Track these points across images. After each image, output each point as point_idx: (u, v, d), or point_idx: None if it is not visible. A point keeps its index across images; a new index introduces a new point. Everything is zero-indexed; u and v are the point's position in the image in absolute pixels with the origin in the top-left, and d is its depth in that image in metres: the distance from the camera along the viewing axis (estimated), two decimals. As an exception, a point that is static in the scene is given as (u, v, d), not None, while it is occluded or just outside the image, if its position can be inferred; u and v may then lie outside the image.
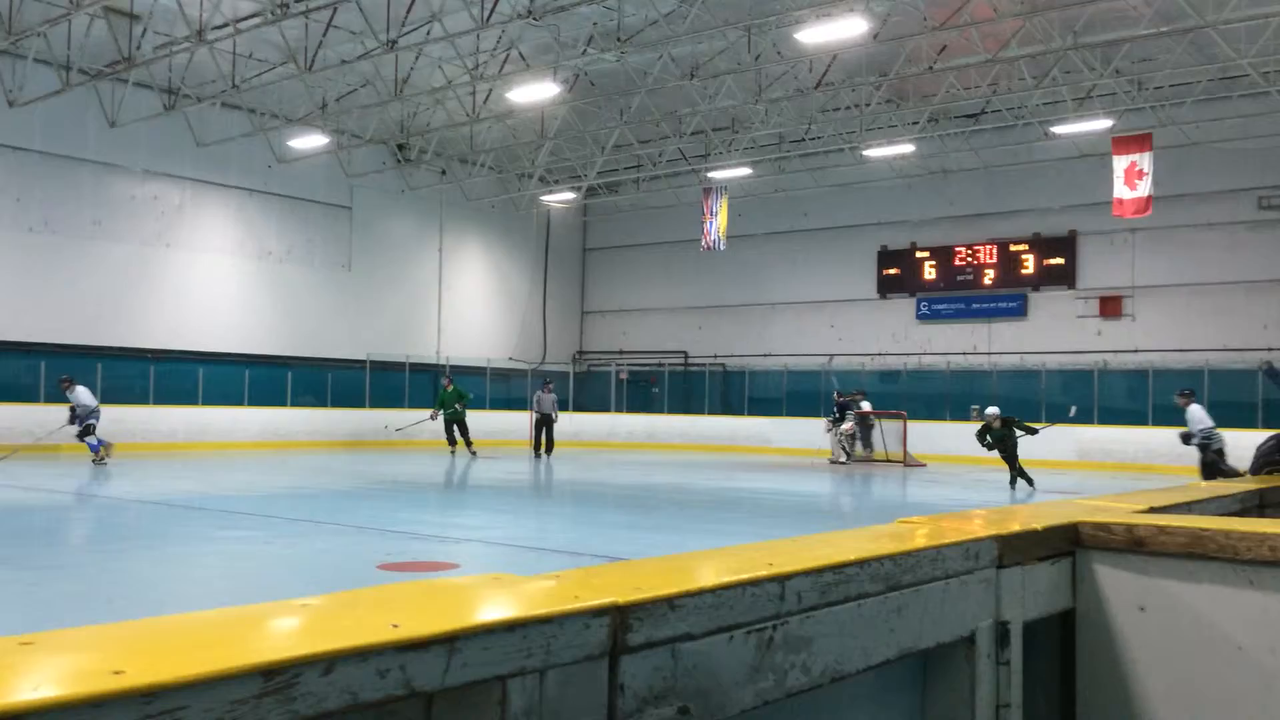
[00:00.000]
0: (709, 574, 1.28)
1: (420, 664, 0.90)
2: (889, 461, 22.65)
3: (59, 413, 18.65)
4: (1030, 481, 15.57)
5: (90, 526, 10.22)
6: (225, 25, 17.57)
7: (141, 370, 22.21)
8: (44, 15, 17.50)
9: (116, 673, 0.74)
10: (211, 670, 0.77)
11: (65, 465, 16.68)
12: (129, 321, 22.16)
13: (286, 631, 0.94)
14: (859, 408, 23.32)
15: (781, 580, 1.31)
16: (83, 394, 16.51)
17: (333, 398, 25.21)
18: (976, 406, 17.08)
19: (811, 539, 1.63)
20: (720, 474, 19.05)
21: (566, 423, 25.49)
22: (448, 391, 21.67)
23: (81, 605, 6.15)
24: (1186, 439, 14.64)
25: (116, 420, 20.58)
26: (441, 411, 21.52)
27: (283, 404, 24.21)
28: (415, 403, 25.20)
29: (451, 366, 27.08)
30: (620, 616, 1.09)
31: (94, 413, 16.58)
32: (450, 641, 0.93)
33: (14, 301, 20.38)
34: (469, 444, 21.42)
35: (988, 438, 15.77)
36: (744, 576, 1.26)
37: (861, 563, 1.45)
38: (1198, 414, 14.49)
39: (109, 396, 21.27)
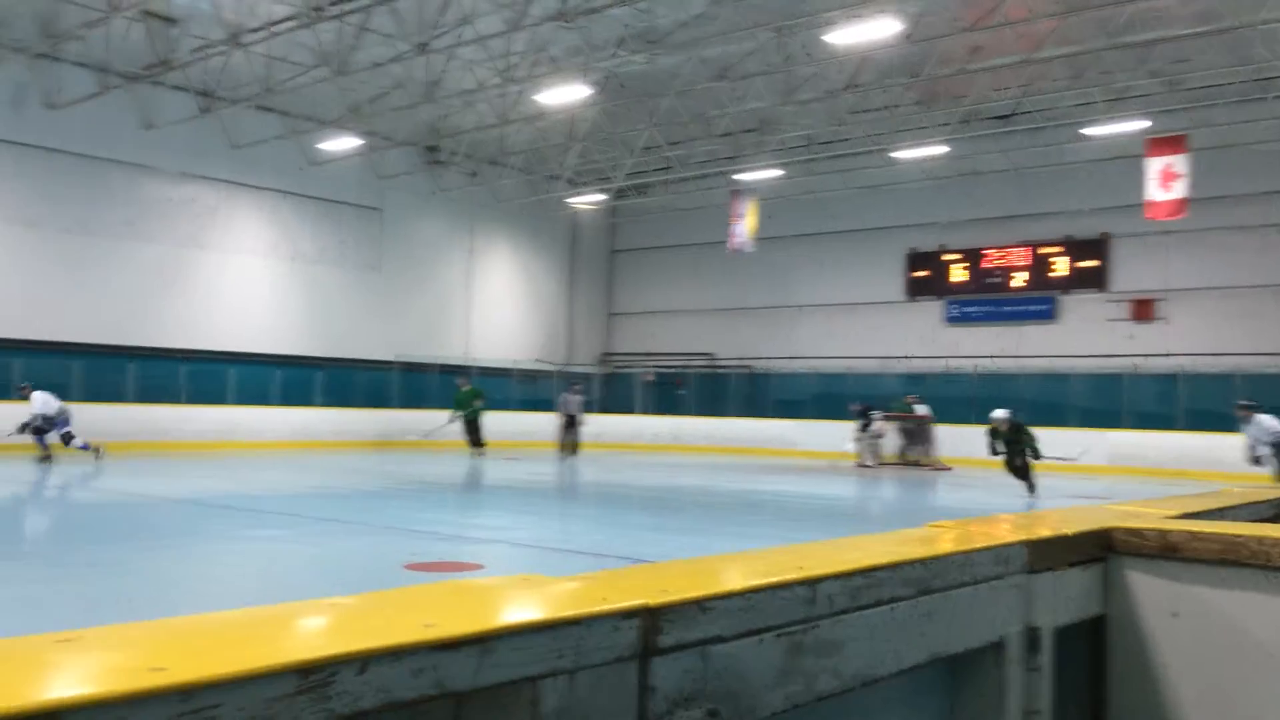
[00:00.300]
0: (739, 576, 1.28)
1: (453, 664, 0.91)
2: (915, 465, 22.52)
3: (90, 411, 18.94)
4: (1031, 488, 14.62)
5: (119, 525, 10.34)
6: (260, 29, 17.74)
7: (173, 370, 22.45)
8: (82, 19, 17.75)
9: (154, 670, 0.75)
10: (249, 668, 0.78)
11: (86, 463, 16.88)
12: (161, 322, 22.40)
13: (321, 630, 0.96)
14: (912, 410, 23.10)
15: (812, 584, 1.31)
16: (35, 400, 16.50)
17: (361, 398, 25.37)
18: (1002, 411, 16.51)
19: (841, 542, 1.63)
20: (746, 476, 19.01)
21: (592, 424, 25.51)
22: (463, 391, 21.77)
23: (110, 603, 6.23)
24: (1255, 458, 13.68)
25: (148, 419, 20.91)
26: (460, 413, 21.60)
27: (312, 404, 24.40)
28: (443, 404, 25.31)
29: (479, 368, 27.19)
30: (651, 618, 1.09)
31: (55, 417, 16.44)
32: (483, 642, 0.93)
33: (49, 301, 20.66)
34: (480, 444, 21.51)
35: (996, 443, 15.06)
36: (774, 579, 1.26)
37: (892, 567, 1.45)
38: (1270, 423, 13.77)
39: (141, 396, 21.57)
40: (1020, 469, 14.75)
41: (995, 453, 14.96)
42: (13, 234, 20.31)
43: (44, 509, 11.70)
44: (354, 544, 8.99)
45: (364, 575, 7.32)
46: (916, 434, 23.09)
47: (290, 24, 17.43)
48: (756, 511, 13.30)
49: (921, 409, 23.18)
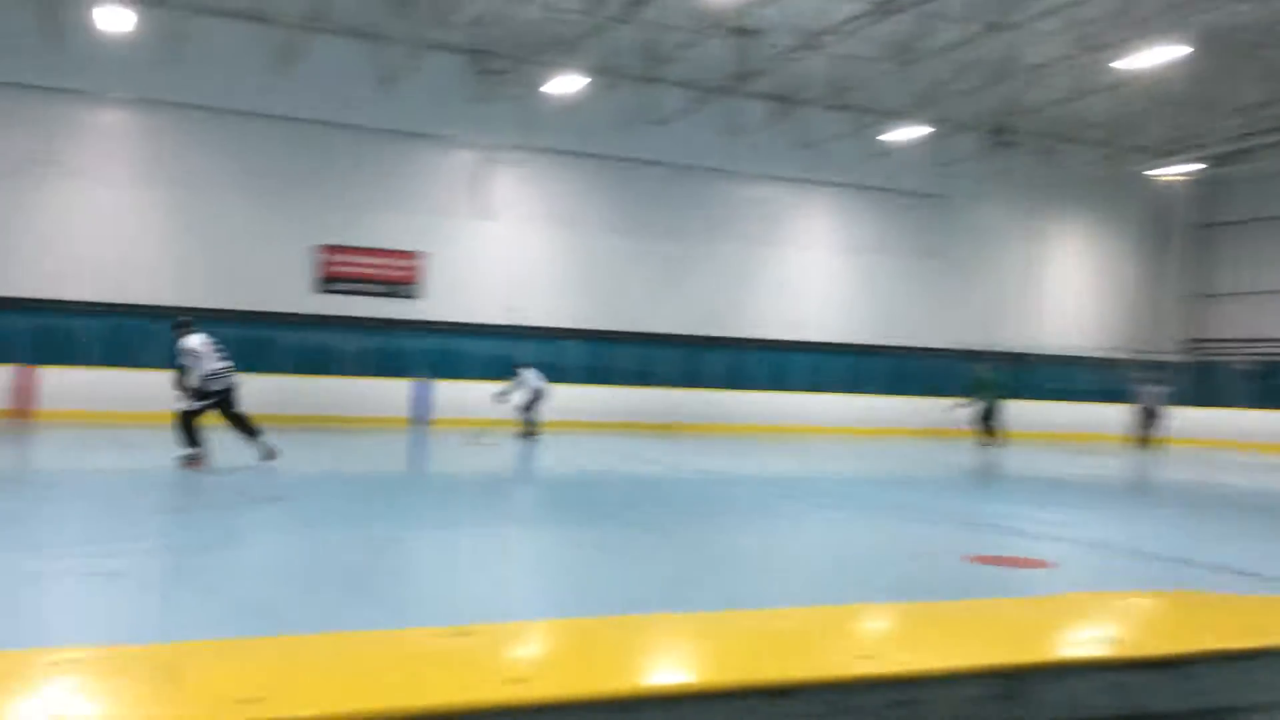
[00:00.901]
0: None
1: (1147, 685, 0.86)
2: None
3: (673, 396, 21.33)
4: None
5: (709, 500, 11.23)
6: (831, 32, 18.49)
7: (747, 359, 24.41)
8: (677, 41, 19.95)
9: (865, 658, 0.81)
10: (958, 667, 0.81)
11: (677, 442, 18.89)
12: (737, 314, 24.38)
13: (1011, 635, 0.96)
14: None
15: None
16: (528, 377, 18.11)
17: (918, 386, 25.46)
18: None
19: None
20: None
21: (1178, 418, 23.09)
22: (984, 376, 20.87)
23: (708, 571, 7.01)
24: None
25: (727, 405, 23.00)
26: (982, 399, 20.71)
27: (871, 391, 25.03)
28: (1002, 392, 24.57)
29: (1043, 355, 26.02)
30: None
31: (530, 392, 18.08)
32: (1181, 665, 0.87)
33: (651, 299, 23.43)
34: (996, 432, 20.42)
35: None
36: None
37: None
38: None
39: (721, 383, 23.70)
40: None
41: None
42: (609, 243, 23.17)
43: (640, 484, 13.08)
44: (913, 531, 9.11)
45: (926, 564, 7.37)
46: None
47: (861, 21, 17.95)
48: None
49: None
